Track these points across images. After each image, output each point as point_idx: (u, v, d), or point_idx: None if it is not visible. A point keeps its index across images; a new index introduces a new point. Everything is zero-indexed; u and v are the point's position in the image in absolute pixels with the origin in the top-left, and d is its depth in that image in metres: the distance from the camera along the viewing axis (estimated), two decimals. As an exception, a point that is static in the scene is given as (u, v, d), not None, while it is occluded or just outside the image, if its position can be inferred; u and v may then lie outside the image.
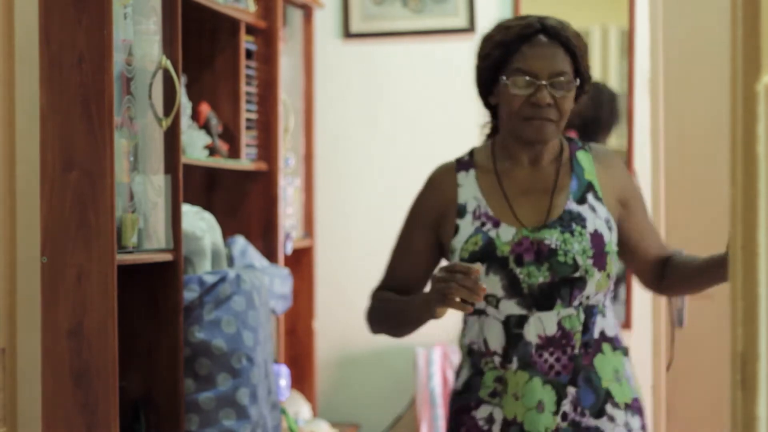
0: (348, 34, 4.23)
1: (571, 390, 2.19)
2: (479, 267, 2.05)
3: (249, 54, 3.59)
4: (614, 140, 4.07)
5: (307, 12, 4.10)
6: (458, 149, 4.17)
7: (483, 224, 2.24)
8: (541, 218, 2.24)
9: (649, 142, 3.42)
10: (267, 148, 3.64)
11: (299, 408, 3.84)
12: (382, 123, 4.24)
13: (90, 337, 2.46)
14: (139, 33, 2.65)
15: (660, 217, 3.21)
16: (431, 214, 2.32)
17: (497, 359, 2.22)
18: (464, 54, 4.21)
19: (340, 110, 4.25)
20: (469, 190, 2.29)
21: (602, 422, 2.20)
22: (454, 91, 4.18)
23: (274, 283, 3.25)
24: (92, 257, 2.45)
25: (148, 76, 2.68)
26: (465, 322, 2.32)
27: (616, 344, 2.27)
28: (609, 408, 2.21)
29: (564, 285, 2.19)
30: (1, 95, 2.54)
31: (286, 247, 3.72)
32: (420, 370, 3.95)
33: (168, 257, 2.74)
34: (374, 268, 4.27)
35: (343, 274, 4.26)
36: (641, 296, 3.80)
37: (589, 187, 2.29)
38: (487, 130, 2.43)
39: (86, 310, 2.46)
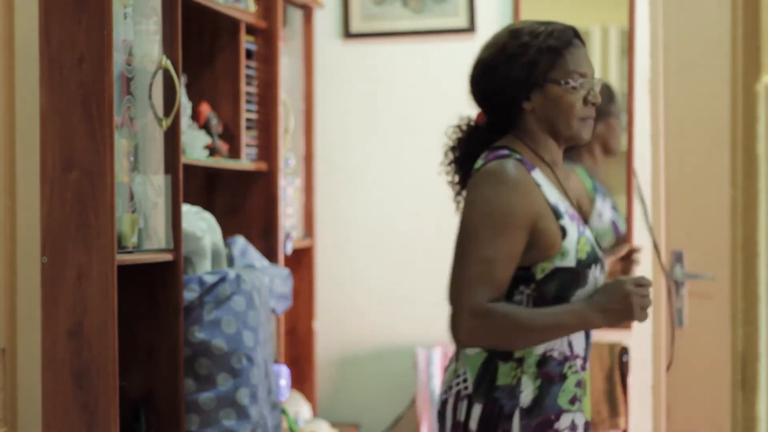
0: (348, 34, 4.22)
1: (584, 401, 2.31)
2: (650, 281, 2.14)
3: (249, 54, 3.59)
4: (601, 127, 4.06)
5: (307, 12, 4.10)
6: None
7: (579, 226, 2.22)
8: (584, 216, 2.33)
9: (649, 142, 3.42)
10: (267, 148, 3.64)
11: (299, 408, 3.84)
12: (382, 123, 4.23)
13: (90, 337, 2.46)
14: (139, 33, 2.65)
15: (660, 217, 3.21)
16: (531, 215, 2.15)
17: (579, 362, 2.20)
18: (464, 54, 4.20)
19: (340, 110, 4.25)
20: (550, 190, 2.21)
21: None
22: (454, 91, 4.17)
23: (274, 283, 3.25)
24: (92, 257, 2.46)
25: (148, 76, 2.68)
26: None
27: None
28: None
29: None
30: (2, 95, 2.54)
31: (286, 247, 3.72)
32: (420, 370, 3.95)
33: (168, 257, 2.74)
34: (374, 268, 4.29)
35: (343, 274, 4.26)
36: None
37: (594, 186, 2.44)
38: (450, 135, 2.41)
39: (86, 310, 2.46)
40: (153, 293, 2.76)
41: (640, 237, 3.85)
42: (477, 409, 2.16)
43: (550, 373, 2.16)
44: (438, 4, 4.14)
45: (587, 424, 2.23)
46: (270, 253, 3.57)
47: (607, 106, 3.95)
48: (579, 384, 2.20)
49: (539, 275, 2.16)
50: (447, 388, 2.23)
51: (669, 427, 3.09)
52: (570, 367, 2.18)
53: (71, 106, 2.46)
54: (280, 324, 3.77)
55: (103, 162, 2.45)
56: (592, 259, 2.18)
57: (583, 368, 2.22)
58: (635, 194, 3.94)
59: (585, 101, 2.22)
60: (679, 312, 2.92)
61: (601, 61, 4.04)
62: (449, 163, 2.39)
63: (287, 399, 3.73)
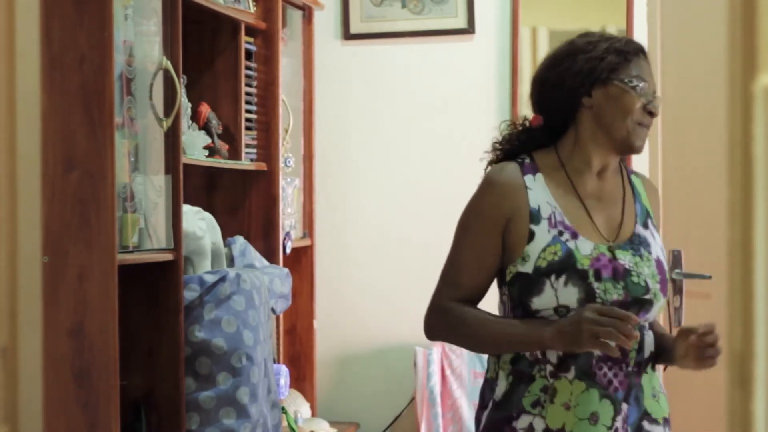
0: (348, 35, 4.23)
1: (624, 407, 2.20)
2: (635, 317, 2.05)
3: (249, 55, 3.60)
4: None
5: (307, 13, 4.11)
6: (458, 149, 4.20)
7: (561, 233, 2.17)
8: (612, 234, 2.23)
9: (647, 142, 3.42)
10: (267, 148, 3.65)
11: (299, 407, 3.85)
12: (381, 123, 4.24)
13: (91, 337, 2.47)
14: (139, 34, 2.66)
15: (659, 217, 3.22)
16: (500, 218, 2.18)
17: (549, 368, 2.17)
18: (464, 55, 4.23)
19: (339, 111, 4.26)
20: (540, 194, 2.19)
21: None
22: (453, 92, 4.19)
23: (274, 283, 3.26)
24: (93, 257, 2.46)
25: (148, 76, 2.69)
26: None
27: (654, 363, 2.29)
28: (646, 424, 2.23)
29: (634, 305, 2.17)
30: (3, 96, 2.54)
31: (286, 246, 3.73)
32: (419, 370, 3.96)
33: (168, 257, 2.75)
34: (374, 268, 4.29)
35: (342, 273, 4.26)
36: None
37: (647, 213, 2.31)
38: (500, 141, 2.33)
39: (87, 310, 2.47)
40: (153, 293, 2.77)
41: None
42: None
43: (521, 371, 2.18)
44: (437, 5, 4.15)
45: None
46: (270, 253, 3.58)
47: None
48: (545, 389, 2.16)
49: (507, 278, 2.18)
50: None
51: (667, 426, 3.09)
52: (539, 370, 2.17)
53: (72, 107, 2.47)
54: (280, 323, 3.78)
55: (103, 162, 2.46)
56: (556, 269, 2.13)
57: (554, 376, 2.17)
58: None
59: (644, 108, 2.20)
60: (677, 311, 2.93)
61: (599, 62, 4.05)
62: (494, 157, 2.34)
63: (287, 398, 3.74)
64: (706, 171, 2.87)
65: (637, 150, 2.24)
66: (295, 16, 4.06)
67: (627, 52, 2.21)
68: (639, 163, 3.85)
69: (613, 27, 4.03)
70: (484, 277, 2.22)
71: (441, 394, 3.95)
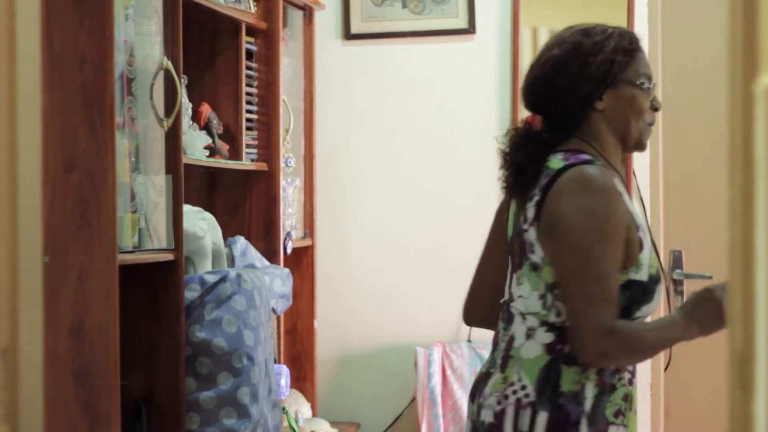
0: (348, 35, 4.23)
1: None
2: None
3: (250, 55, 3.60)
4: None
5: (308, 13, 4.11)
6: (458, 149, 4.20)
7: (650, 239, 2.15)
8: None
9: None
10: (267, 148, 3.65)
11: (300, 407, 3.85)
12: (382, 124, 4.24)
13: (91, 337, 2.47)
14: (140, 34, 2.66)
15: (659, 217, 3.22)
16: (624, 226, 2.08)
17: (627, 375, 2.15)
18: (464, 55, 4.23)
19: (340, 111, 4.26)
20: (627, 198, 2.15)
21: None
22: (454, 92, 4.19)
23: (275, 283, 3.26)
24: (94, 257, 2.46)
25: (149, 76, 2.69)
26: None
27: None
28: None
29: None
30: (3, 96, 2.54)
31: (287, 246, 3.73)
32: (420, 370, 3.96)
33: (169, 257, 2.75)
34: (375, 268, 4.29)
35: (343, 273, 4.27)
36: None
37: None
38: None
39: (88, 310, 2.47)
40: (154, 293, 2.77)
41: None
42: (542, 417, 2.07)
43: (605, 382, 2.10)
44: (438, 6, 4.15)
45: None
46: (270, 253, 3.58)
47: None
48: (626, 398, 2.12)
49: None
50: (502, 398, 2.11)
51: (667, 426, 3.09)
52: (620, 379, 2.12)
53: (73, 107, 2.47)
54: (281, 323, 3.78)
55: (104, 162, 2.46)
56: (659, 277, 2.10)
57: (631, 383, 2.15)
58: (634, 194, 3.95)
59: (651, 106, 2.18)
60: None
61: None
62: (506, 167, 2.22)
63: (287, 398, 3.74)
64: (706, 171, 2.87)
65: (645, 148, 2.24)
66: (296, 16, 4.06)
67: (631, 49, 2.18)
68: (639, 163, 3.85)
69: (614, 27, 4.03)
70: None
71: (442, 395, 3.95)
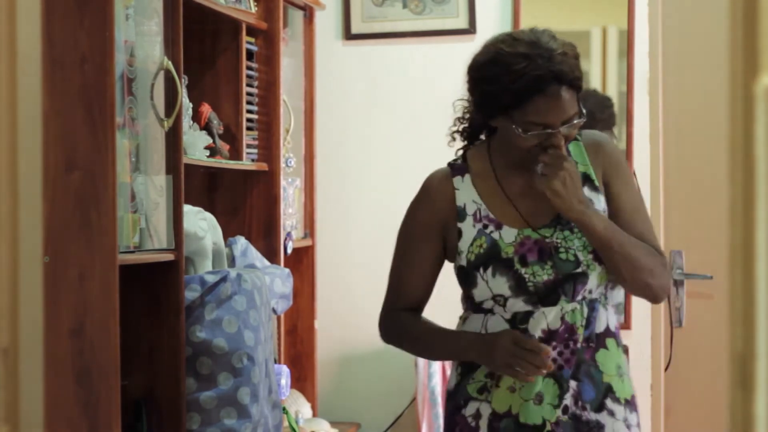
0: (349, 35, 4.23)
1: (573, 384, 2.22)
2: (549, 350, 2.16)
3: (250, 55, 3.60)
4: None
5: (308, 13, 4.11)
6: (458, 144, 4.18)
7: (485, 226, 2.26)
8: (544, 218, 2.26)
9: (648, 143, 3.43)
10: (268, 148, 3.65)
11: (300, 407, 3.85)
12: (382, 124, 4.24)
13: (92, 337, 2.47)
14: (141, 34, 2.66)
15: (659, 217, 3.22)
16: (435, 223, 2.32)
17: None
18: (464, 55, 4.22)
19: (340, 111, 4.26)
20: (466, 193, 2.30)
21: (602, 416, 2.23)
22: (454, 92, 4.18)
23: (275, 283, 3.26)
24: (94, 257, 2.46)
25: (149, 76, 2.69)
26: (464, 320, 2.33)
27: (618, 340, 2.31)
28: (609, 403, 2.24)
29: (567, 281, 2.22)
30: (4, 96, 2.54)
31: (287, 247, 3.73)
32: (420, 370, 3.96)
33: (169, 257, 2.75)
34: (374, 268, 4.29)
35: (343, 273, 4.27)
36: (641, 296, 3.80)
37: (586, 178, 2.30)
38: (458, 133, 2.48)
39: (88, 310, 2.47)
40: (154, 293, 2.77)
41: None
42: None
43: (464, 362, 2.29)
44: (438, 6, 4.15)
45: (500, 416, 2.23)
46: (271, 253, 3.58)
47: (601, 115, 3.96)
48: (491, 375, 2.25)
49: (455, 272, 2.31)
50: None
51: (667, 426, 3.09)
52: None
53: (73, 107, 2.47)
54: (281, 323, 3.78)
55: (104, 162, 2.46)
56: (482, 261, 2.23)
57: None
58: (635, 194, 3.95)
59: (540, 145, 2.19)
60: (678, 312, 2.93)
61: (600, 62, 4.05)
62: (455, 131, 2.49)
63: (288, 398, 3.74)
64: (707, 171, 2.87)
65: (536, 170, 2.26)
66: (296, 16, 4.06)
67: (525, 92, 2.14)
68: (639, 163, 3.85)
69: (615, 27, 4.03)
70: (425, 283, 2.35)
71: (442, 395, 3.95)
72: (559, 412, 2.20)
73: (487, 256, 2.23)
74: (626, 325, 4.00)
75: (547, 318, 2.21)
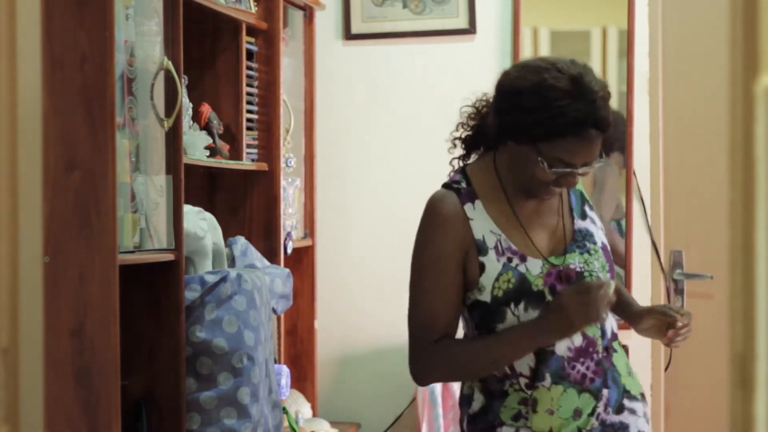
0: (349, 35, 4.23)
1: (605, 392, 2.23)
2: (608, 279, 2.14)
3: (250, 55, 3.60)
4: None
5: (308, 13, 4.11)
6: (458, 150, 4.18)
7: (509, 260, 2.18)
8: (560, 244, 2.24)
9: (648, 143, 3.43)
10: (268, 148, 3.65)
11: (300, 407, 3.85)
12: (382, 124, 4.24)
13: (92, 337, 2.47)
14: (141, 34, 2.66)
15: (659, 217, 3.22)
16: (458, 252, 2.20)
17: (523, 381, 2.20)
18: (465, 55, 4.23)
19: (340, 111, 4.26)
20: (482, 224, 2.20)
21: (624, 417, 2.24)
22: (454, 92, 4.19)
23: (275, 283, 3.26)
24: (94, 257, 2.46)
25: (149, 76, 2.69)
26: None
27: (619, 341, 2.33)
28: (627, 402, 2.25)
29: None
30: (4, 96, 2.54)
31: (287, 247, 3.73)
32: (420, 370, 3.95)
33: (169, 257, 2.75)
34: (374, 268, 4.29)
35: (343, 273, 4.26)
36: (640, 296, 3.80)
37: (582, 198, 2.32)
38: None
39: (88, 310, 2.47)
40: (154, 293, 2.77)
41: (640, 237, 3.86)
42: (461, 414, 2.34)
43: (491, 389, 2.23)
44: (438, 6, 4.15)
45: None
46: (271, 253, 3.58)
47: (616, 134, 3.93)
48: (524, 402, 2.19)
49: (467, 302, 2.22)
50: None
51: (668, 426, 3.09)
52: (511, 384, 2.21)
53: (73, 107, 2.47)
54: (281, 324, 3.78)
55: (104, 162, 2.46)
56: (513, 297, 2.16)
57: (531, 387, 2.19)
58: (634, 194, 3.95)
59: (556, 181, 2.16)
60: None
61: (600, 62, 4.05)
62: (457, 138, 2.42)
63: (288, 398, 3.74)
64: (707, 171, 2.87)
65: (535, 197, 2.23)
66: (296, 16, 4.06)
67: (559, 132, 2.09)
68: (639, 163, 3.85)
69: (615, 27, 4.03)
70: (454, 312, 2.24)
71: (442, 395, 3.95)
72: (593, 419, 2.20)
73: (517, 291, 2.17)
74: (626, 325, 4.00)
75: (571, 337, 2.19)
